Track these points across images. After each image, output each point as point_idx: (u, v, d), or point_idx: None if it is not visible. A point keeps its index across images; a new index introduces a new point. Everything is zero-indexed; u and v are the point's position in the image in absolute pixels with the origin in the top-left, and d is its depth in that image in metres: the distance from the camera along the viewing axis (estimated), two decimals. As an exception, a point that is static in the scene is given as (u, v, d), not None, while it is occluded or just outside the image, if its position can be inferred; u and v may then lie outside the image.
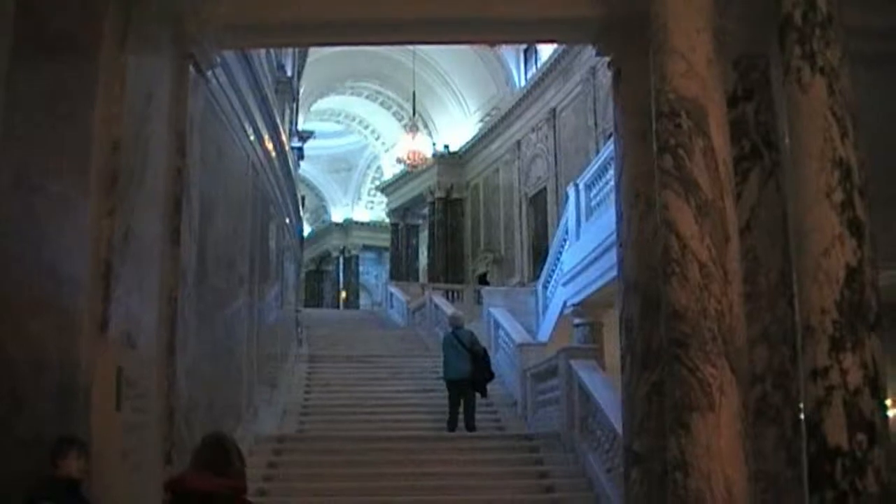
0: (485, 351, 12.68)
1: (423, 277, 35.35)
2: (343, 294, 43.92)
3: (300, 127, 32.93)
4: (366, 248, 45.56)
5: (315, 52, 30.98)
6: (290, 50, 15.03)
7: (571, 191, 14.78)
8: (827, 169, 5.57)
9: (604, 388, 9.62)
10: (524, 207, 28.48)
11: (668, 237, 5.57)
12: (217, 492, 4.06)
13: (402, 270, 36.95)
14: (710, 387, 5.29)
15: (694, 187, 5.52)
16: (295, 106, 21.13)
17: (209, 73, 8.14)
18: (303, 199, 21.92)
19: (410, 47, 31.12)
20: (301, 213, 17.91)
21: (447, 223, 33.80)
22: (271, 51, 13.18)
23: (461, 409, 12.16)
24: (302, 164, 41.26)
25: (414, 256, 38.69)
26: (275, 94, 13.60)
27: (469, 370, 12.22)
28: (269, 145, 11.81)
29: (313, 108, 35.99)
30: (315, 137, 33.79)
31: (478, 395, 12.41)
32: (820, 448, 5.41)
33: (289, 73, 16.36)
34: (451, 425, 12.21)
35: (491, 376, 12.53)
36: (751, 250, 6.77)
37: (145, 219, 6.66)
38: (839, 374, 5.38)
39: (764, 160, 6.72)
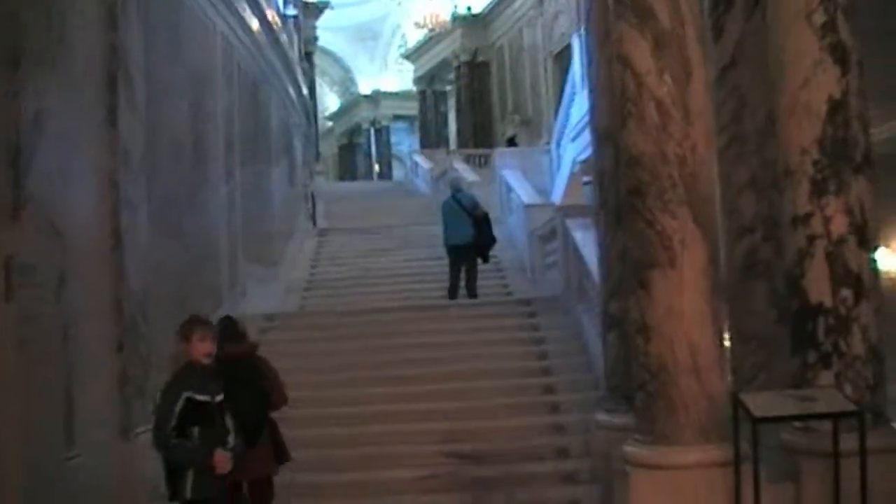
0: (486, 215, 12.10)
1: (453, 144, 34.64)
2: (377, 167, 43.35)
3: (313, -2, 31.81)
4: (397, 118, 44.56)
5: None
6: None
7: (575, 39, 13.85)
8: (805, -15, 4.82)
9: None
10: (549, 66, 27.39)
11: (623, 74, 4.88)
12: (245, 352, 5.87)
13: (431, 139, 36.16)
14: (669, 240, 4.68)
15: (649, 16, 4.77)
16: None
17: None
18: (308, 72, 21.07)
19: None
20: (302, 89, 17.17)
21: (473, 87, 32.93)
22: None
23: (463, 276, 11.74)
24: (326, 34, 40.28)
25: (443, 123, 37.80)
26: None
27: (471, 234, 11.68)
28: (248, 16, 11.02)
29: (327, -27, 34.61)
30: (332, 7, 32.68)
31: (480, 260, 11.94)
32: (802, 305, 4.87)
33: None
34: (453, 292, 11.78)
35: (493, 241, 11.98)
36: (736, 88, 6.06)
37: (68, 100, 6.11)
38: (822, 222, 4.78)
39: (748, -14, 5.92)
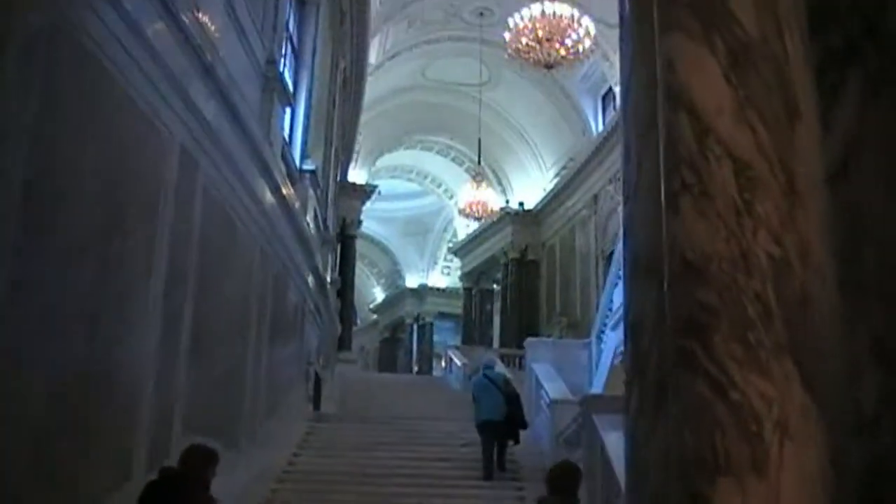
0: (517, 395, 11.56)
1: (496, 344, 32.77)
2: (416, 366, 41.74)
3: (364, 180, 30.96)
4: (442, 315, 43.59)
5: (377, 106, 28.97)
6: (283, 41, 12.62)
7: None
8: None
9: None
10: (601, 266, 25.79)
11: (674, 121, 2.77)
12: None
13: (474, 337, 34.61)
14: (757, 420, 2.41)
15: (724, 18, 2.72)
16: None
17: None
18: (331, 242, 19.52)
19: (476, 95, 29.01)
20: (319, 266, 15.43)
21: (521, 286, 31.61)
22: (256, 36, 10.82)
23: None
24: (376, 225, 39.47)
25: (487, 322, 36.20)
26: (261, 93, 11.22)
27: (504, 410, 11.15)
28: (227, 139, 9.15)
29: (381, 162, 34.17)
30: (380, 193, 31.76)
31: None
32: None
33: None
34: (488, 472, 11.04)
35: (525, 423, 11.41)
36: (850, 208, 3.93)
37: None
38: None
39: (868, 61, 3.88)
